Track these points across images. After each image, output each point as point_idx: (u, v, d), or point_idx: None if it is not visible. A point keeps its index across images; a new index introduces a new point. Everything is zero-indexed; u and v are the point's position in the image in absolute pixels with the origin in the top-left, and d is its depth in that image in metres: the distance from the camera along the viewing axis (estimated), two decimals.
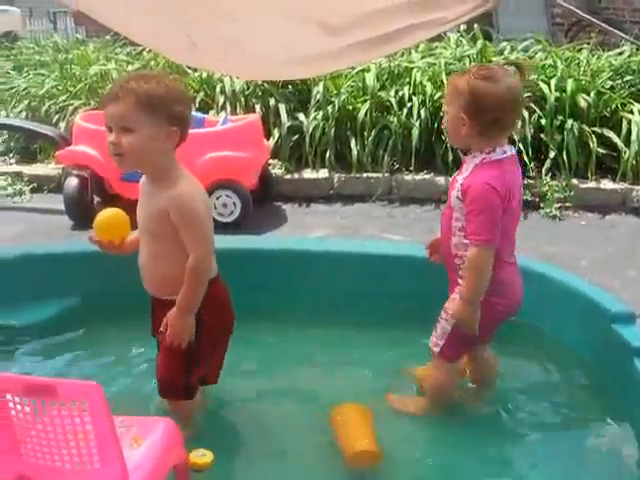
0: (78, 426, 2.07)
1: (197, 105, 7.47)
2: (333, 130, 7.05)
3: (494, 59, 7.42)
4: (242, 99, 7.48)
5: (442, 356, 3.11)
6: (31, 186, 7.30)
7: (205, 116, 6.66)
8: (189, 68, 7.85)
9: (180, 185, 2.73)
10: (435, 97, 7.06)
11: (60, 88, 8.23)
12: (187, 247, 2.72)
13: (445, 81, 6.86)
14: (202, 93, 7.68)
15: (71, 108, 7.79)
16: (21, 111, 8.26)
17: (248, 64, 3.76)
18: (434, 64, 7.55)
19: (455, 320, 3.00)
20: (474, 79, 2.89)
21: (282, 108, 7.26)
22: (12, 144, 8.18)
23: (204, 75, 7.82)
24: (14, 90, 8.60)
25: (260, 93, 7.58)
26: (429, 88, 7.11)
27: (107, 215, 3.02)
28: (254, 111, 7.25)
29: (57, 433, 2.09)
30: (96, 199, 6.54)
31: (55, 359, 3.76)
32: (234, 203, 6.08)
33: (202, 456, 2.86)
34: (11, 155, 8.13)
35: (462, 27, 8.07)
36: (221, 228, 5.83)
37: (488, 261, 2.88)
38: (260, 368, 3.70)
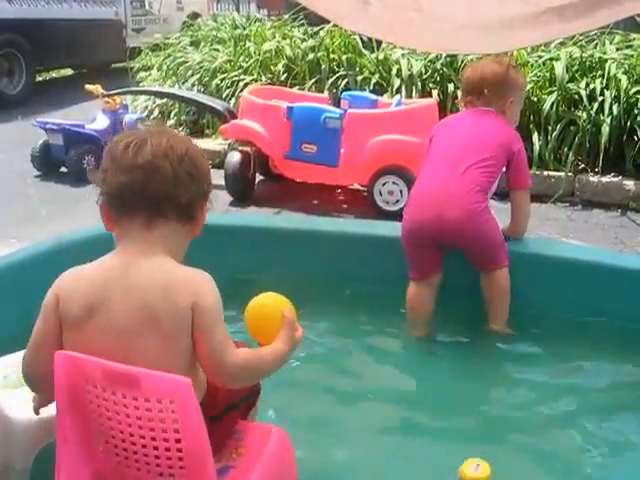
0: (164, 430, 1.73)
1: (371, 87, 7.16)
2: None
3: None
4: (419, 83, 7.08)
5: None
6: None
7: (379, 98, 6.34)
8: (365, 48, 7.53)
9: None
10: (630, 92, 6.45)
11: (232, 63, 8.13)
12: None
13: None
14: (377, 75, 7.35)
15: (242, 84, 7.65)
16: (193, 84, 8.21)
17: (418, 29, 3.30)
18: (631, 56, 6.90)
19: None
20: None
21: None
22: (182, 117, 8.15)
23: (380, 57, 7.50)
24: (188, 64, 8.56)
25: (438, 78, 7.18)
26: (624, 82, 6.47)
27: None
28: (431, 96, 6.84)
29: (138, 435, 1.74)
30: (259, 177, 6.32)
31: None
32: (400, 191, 5.65)
33: (477, 468, 2.17)
34: (181, 129, 8.09)
35: None
36: (384, 217, 5.50)
37: None
38: None
